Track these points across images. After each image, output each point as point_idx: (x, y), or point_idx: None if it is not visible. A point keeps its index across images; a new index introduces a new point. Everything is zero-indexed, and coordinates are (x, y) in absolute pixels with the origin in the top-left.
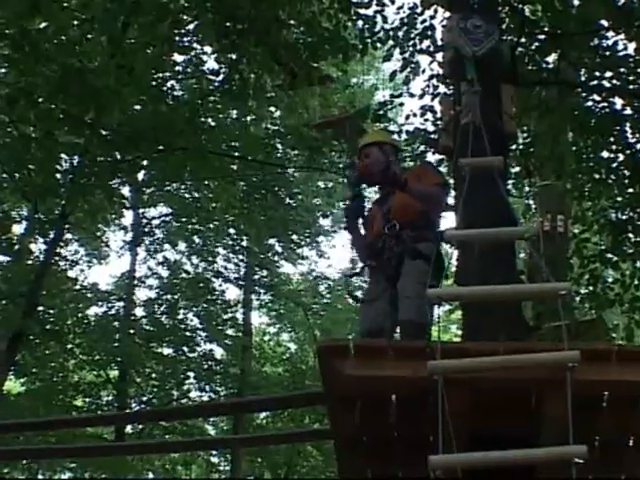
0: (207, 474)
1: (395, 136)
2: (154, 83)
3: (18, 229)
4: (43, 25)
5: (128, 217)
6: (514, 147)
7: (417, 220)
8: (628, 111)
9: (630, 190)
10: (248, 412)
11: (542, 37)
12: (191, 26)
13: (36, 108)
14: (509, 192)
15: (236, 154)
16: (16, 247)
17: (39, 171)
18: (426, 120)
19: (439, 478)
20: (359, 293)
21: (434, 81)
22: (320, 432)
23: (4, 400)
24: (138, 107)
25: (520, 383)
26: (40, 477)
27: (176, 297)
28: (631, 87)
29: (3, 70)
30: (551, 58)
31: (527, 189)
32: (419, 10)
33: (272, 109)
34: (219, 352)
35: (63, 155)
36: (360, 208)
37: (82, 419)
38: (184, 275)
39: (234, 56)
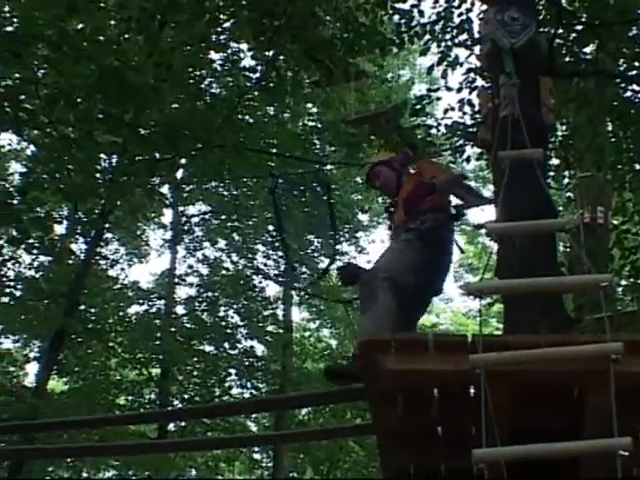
0: (249, 470)
1: (433, 130)
2: (192, 81)
3: (59, 229)
4: (80, 26)
5: (168, 215)
6: (553, 139)
7: (414, 210)
8: None
9: None
10: (289, 409)
11: (580, 28)
12: (228, 24)
13: (75, 109)
14: (549, 184)
15: (274, 151)
16: (57, 247)
17: (79, 171)
18: (464, 114)
19: (482, 471)
20: None
21: (472, 74)
22: (362, 427)
23: (48, 399)
24: (176, 105)
25: (562, 376)
26: (85, 475)
27: (216, 294)
28: None
29: (42, 71)
30: (589, 49)
31: (567, 181)
32: (456, 3)
33: (309, 105)
34: (260, 349)
35: (102, 155)
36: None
37: (124, 417)
38: (224, 272)
39: (271, 53)
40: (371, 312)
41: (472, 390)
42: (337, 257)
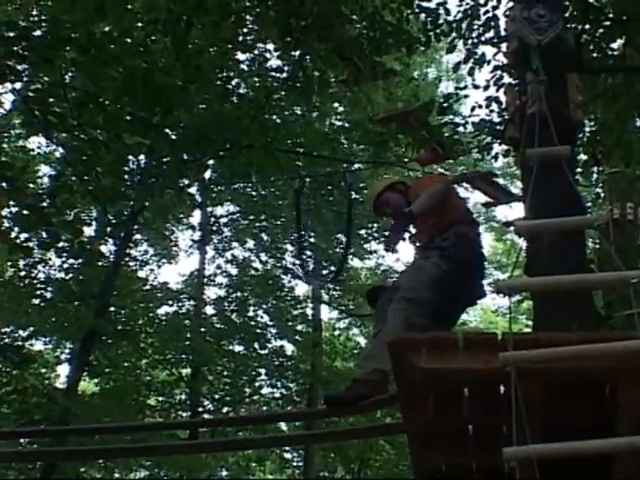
0: (280, 470)
1: (460, 128)
2: (219, 82)
3: (88, 232)
4: (107, 28)
5: (196, 216)
6: (581, 135)
7: (434, 229)
8: None
9: None
10: (318, 418)
11: (607, 23)
12: (254, 25)
13: (104, 111)
14: (577, 181)
15: (301, 151)
16: (87, 249)
17: (108, 173)
18: (492, 111)
19: (513, 470)
20: None
21: (499, 72)
22: (392, 426)
23: (79, 400)
24: (204, 106)
25: (593, 373)
26: (117, 476)
27: (245, 294)
28: None
29: (70, 75)
30: (616, 44)
31: (595, 177)
32: (482, 1)
33: (336, 105)
34: (289, 348)
35: (130, 157)
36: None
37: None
38: (253, 272)
39: (297, 53)
40: (379, 336)
41: (502, 388)
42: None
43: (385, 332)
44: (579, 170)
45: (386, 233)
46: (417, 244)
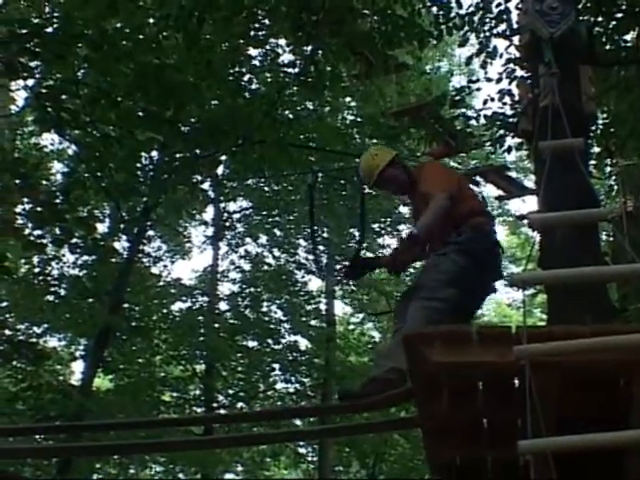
0: (295, 465)
1: (473, 121)
2: (231, 78)
3: (101, 228)
4: (119, 25)
5: (209, 212)
6: (594, 127)
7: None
8: None
9: None
10: (333, 414)
11: (620, 15)
12: (266, 20)
13: (116, 107)
14: (590, 173)
15: (314, 145)
16: (100, 246)
17: (121, 170)
18: (504, 104)
19: (528, 463)
20: None
21: (511, 65)
22: (406, 420)
23: (94, 397)
24: (216, 102)
25: (608, 366)
26: (131, 472)
27: (259, 290)
28: None
29: (81, 71)
30: (629, 36)
31: (609, 169)
32: None
33: (348, 99)
34: (303, 343)
35: (143, 153)
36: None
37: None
38: (266, 268)
39: (309, 48)
40: (398, 334)
41: (517, 381)
42: (362, 251)
43: (404, 331)
44: (592, 162)
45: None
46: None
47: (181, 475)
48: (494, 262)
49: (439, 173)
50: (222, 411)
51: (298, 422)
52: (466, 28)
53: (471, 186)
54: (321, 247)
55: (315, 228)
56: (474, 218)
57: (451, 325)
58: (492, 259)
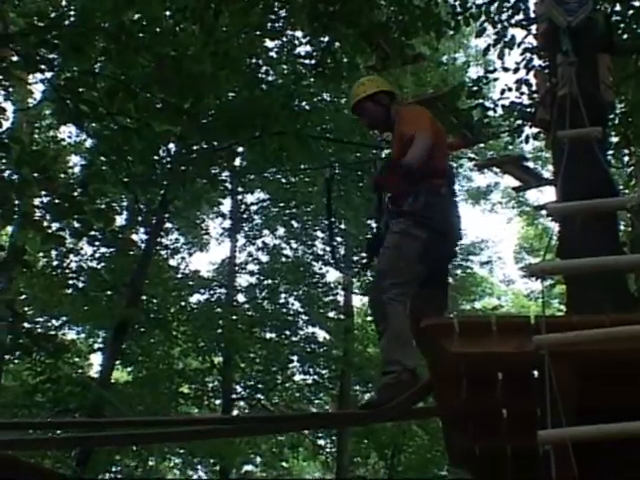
0: (314, 456)
1: (490, 112)
2: (248, 69)
3: (119, 220)
4: (136, 17)
5: (227, 204)
6: (612, 116)
7: (400, 185)
8: None
9: None
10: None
11: (637, 4)
12: (282, 11)
13: (135, 99)
14: (609, 162)
15: (331, 137)
16: (119, 238)
17: (139, 162)
18: (522, 94)
19: (548, 453)
20: None
21: (528, 54)
22: (424, 410)
23: (112, 389)
24: (233, 94)
25: (627, 355)
26: (151, 463)
27: (277, 282)
28: None
29: (99, 63)
30: None
31: (627, 159)
32: None
33: None
34: (321, 335)
35: (161, 145)
36: (378, 245)
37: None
38: (284, 260)
39: (326, 39)
40: (388, 334)
41: (536, 371)
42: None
43: (391, 331)
44: (610, 152)
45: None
46: (389, 199)
47: (200, 467)
48: (452, 227)
49: (423, 117)
50: (241, 403)
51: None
52: (483, 18)
53: (445, 141)
54: (338, 239)
55: (333, 220)
56: (432, 179)
57: (470, 315)
58: (450, 224)
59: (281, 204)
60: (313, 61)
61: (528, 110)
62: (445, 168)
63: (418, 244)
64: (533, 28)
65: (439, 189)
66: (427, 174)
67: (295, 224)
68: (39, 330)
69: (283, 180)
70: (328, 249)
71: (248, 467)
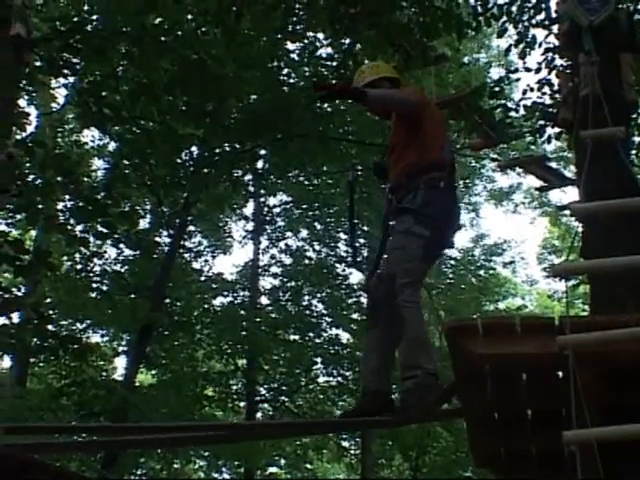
0: (338, 458)
1: (512, 112)
2: (270, 72)
3: (142, 223)
4: (158, 20)
5: (249, 207)
6: (635, 116)
7: (403, 176)
8: None
9: None
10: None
11: None
12: (304, 13)
13: (157, 102)
14: (632, 162)
15: (353, 138)
16: (143, 241)
17: (162, 165)
18: (544, 94)
19: (573, 453)
20: None
21: (550, 54)
22: (449, 411)
23: (137, 392)
24: (255, 96)
25: None
26: (176, 466)
27: (300, 284)
28: None
29: (121, 67)
30: None
31: None
32: None
33: None
34: (345, 337)
35: (183, 147)
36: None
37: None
38: (307, 262)
39: (347, 40)
40: (406, 338)
41: (561, 372)
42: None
43: (410, 335)
44: (634, 151)
45: None
46: (389, 193)
47: (224, 469)
48: (452, 220)
49: (412, 91)
50: (265, 405)
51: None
52: (504, 18)
53: (443, 122)
54: (361, 240)
55: (355, 221)
56: (429, 173)
57: (494, 316)
58: (450, 218)
59: (304, 206)
60: (335, 63)
61: (550, 110)
62: (443, 160)
63: (422, 242)
64: (555, 28)
65: (438, 183)
66: (424, 168)
67: (318, 226)
68: (64, 333)
69: (306, 182)
70: (350, 251)
71: (272, 469)
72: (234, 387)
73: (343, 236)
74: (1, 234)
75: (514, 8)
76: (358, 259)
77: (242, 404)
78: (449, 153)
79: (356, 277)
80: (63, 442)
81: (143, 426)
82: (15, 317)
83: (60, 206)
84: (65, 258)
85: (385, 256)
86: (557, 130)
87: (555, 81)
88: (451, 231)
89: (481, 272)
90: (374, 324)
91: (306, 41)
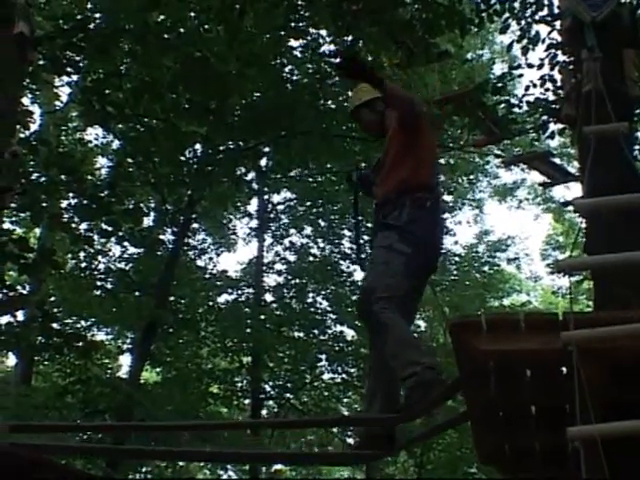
0: None
1: (515, 108)
2: (273, 69)
3: (146, 221)
4: (161, 18)
5: (253, 204)
6: (638, 111)
7: (391, 192)
8: None
9: None
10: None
11: None
12: (306, 10)
13: (161, 100)
14: (636, 158)
15: (356, 135)
16: (147, 239)
17: (166, 162)
18: (546, 90)
19: (577, 449)
20: None
21: (553, 50)
22: (455, 419)
23: (142, 390)
24: (258, 94)
25: None
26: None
27: (304, 281)
28: None
29: (124, 65)
30: None
31: None
32: None
33: None
34: (350, 334)
35: (187, 145)
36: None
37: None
38: (311, 259)
39: (350, 37)
40: (391, 340)
41: (564, 368)
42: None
43: (394, 336)
44: (637, 147)
45: None
46: (376, 208)
47: (229, 467)
48: (436, 242)
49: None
50: (270, 402)
51: (346, 413)
52: (507, 14)
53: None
54: (366, 237)
55: (359, 219)
56: (417, 192)
57: (499, 313)
58: (433, 239)
59: (308, 203)
60: (337, 60)
61: (553, 106)
62: (431, 184)
63: (404, 259)
64: (557, 24)
65: (424, 202)
66: (412, 187)
67: (322, 223)
68: (69, 331)
69: (310, 179)
70: (354, 248)
71: (277, 466)
72: (239, 384)
73: (347, 233)
74: (6, 232)
75: (516, 4)
76: (362, 256)
77: (247, 401)
78: (436, 176)
79: (360, 274)
80: (73, 446)
81: (147, 425)
82: (20, 315)
83: (64, 204)
84: (69, 256)
85: (368, 270)
86: (560, 126)
87: (558, 77)
88: (433, 252)
89: (485, 268)
90: (369, 336)
91: (309, 38)
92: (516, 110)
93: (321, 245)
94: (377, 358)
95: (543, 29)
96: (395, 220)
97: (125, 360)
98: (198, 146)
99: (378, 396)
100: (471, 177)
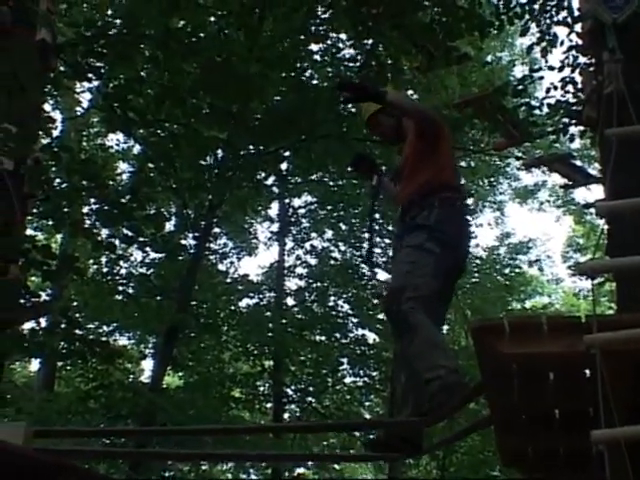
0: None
1: (536, 110)
2: (293, 73)
3: (168, 226)
4: (182, 23)
5: (274, 208)
6: None
7: (415, 194)
8: None
9: None
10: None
11: None
12: (326, 14)
13: (182, 105)
14: None
15: (376, 138)
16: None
17: (187, 167)
18: (567, 92)
19: (602, 453)
20: None
21: (573, 52)
22: (479, 423)
23: (164, 394)
24: (278, 98)
25: None
26: (204, 468)
27: (325, 284)
28: None
29: (146, 70)
30: None
31: None
32: None
33: (410, 92)
34: (371, 337)
35: (208, 150)
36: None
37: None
38: (332, 262)
39: (370, 41)
40: (417, 342)
41: (588, 371)
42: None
43: (421, 338)
44: None
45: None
46: (401, 212)
47: (252, 470)
48: (465, 242)
49: (437, 114)
50: (292, 406)
51: (367, 416)
52: (527, 17)
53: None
54: (386, 240)
55: (374, 224)
56: (444, 192)
57: (521, 315)
58: (463, 239)
59: (328, 207)
60: (357, 64)
61: (574, 108)
62: (456, 184)
63: (433, 259)
64: (577, 26)
65: (454, 202)
66: (437, 188)
67: (343, 226)
68: (92, 336)
69: (330, 183)
70: (366, 247)
71: (300, 469)
72: (261, 388)
73: (367, 236)
74: (29, 239)
75: (536, 6)
76: (373, 259)
77: (269, 405)
78: (459, 178)
79: (382, 277)
80: (95, 450)
81: (170, 429)
82: (43, 322)
83: (86, 210)
84: (91, 261)
85: (394, 270)
86: (581, 128)
87: (579, 79)
88: (462, 252)
89: (507, 271)
90: (396, 338)
91: (328, 42)
92: (537, 112)
93: (342, 248)
94: (407, 362)
95: (563, 31)
96: (424, 220)
97: (147, 365)
98: (219, 151)
99: (410, 401)
100: (492, 179)
